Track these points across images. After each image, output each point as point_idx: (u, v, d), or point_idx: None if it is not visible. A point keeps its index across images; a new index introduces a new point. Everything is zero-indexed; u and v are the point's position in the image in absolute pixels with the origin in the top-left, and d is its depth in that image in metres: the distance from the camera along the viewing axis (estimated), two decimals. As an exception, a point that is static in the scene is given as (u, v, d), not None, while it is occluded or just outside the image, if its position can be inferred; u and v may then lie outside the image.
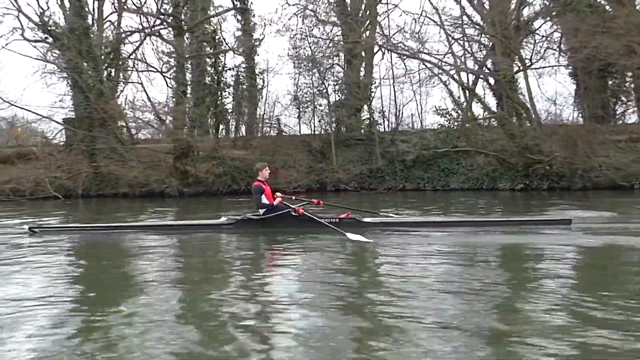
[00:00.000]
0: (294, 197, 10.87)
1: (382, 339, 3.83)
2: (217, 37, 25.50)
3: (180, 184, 23.25)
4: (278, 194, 9.94)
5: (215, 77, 25.07)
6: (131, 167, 23.91)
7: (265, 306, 4.84)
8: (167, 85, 27.15)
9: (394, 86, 27.04)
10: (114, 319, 4.44)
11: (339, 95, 27.46)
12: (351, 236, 8.31)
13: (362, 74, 27.34)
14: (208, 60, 25.12)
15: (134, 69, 26.65)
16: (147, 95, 26.02)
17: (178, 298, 5.27)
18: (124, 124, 24.95)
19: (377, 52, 27.79)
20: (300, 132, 28.83)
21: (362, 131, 26.38)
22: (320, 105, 28.06)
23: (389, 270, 6.46)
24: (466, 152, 23.81)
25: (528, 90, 22.78)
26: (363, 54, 26.85)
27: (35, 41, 26.56)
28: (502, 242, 8.45)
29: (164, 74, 25.93)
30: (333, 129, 26.16)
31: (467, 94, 22.94)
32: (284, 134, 28.07)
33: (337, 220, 9.40)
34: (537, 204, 16.15)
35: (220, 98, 25.15)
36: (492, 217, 11.67)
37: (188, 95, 25.06)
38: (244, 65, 26.73)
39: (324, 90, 27.36)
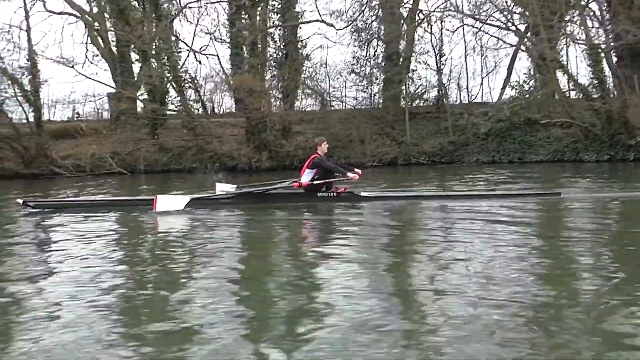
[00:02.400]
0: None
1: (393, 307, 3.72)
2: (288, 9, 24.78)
3: (253, 158, 22.71)
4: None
5: (284, 51, 24.43)
6: (206, 142, 23.32)
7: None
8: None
9: (466, 57, 26.27)
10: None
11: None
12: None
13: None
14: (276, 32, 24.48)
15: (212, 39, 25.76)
16: (221, 67, 25.35)
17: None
18: (199, 97, 24.30)
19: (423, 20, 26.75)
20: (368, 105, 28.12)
21: (431, 104, 25.91)
22: (377, 78, 27.48)
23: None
24: (542, 124, 23.45)
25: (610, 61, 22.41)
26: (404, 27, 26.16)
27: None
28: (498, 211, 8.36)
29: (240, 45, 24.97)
30: (407, 102, 25.53)
31: (551, 65, 22.39)
32: (350, 107, 27.44)
33: (335, 194, 9.63)
34: (623, 176, 16.00)
35: (290, 71, 24.50)
36: (493, 191, 11.54)
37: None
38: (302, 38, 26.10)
39: (381, 62, 26.82)
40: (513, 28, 24.16)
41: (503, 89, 27.23)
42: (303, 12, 25.34)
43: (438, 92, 26.20)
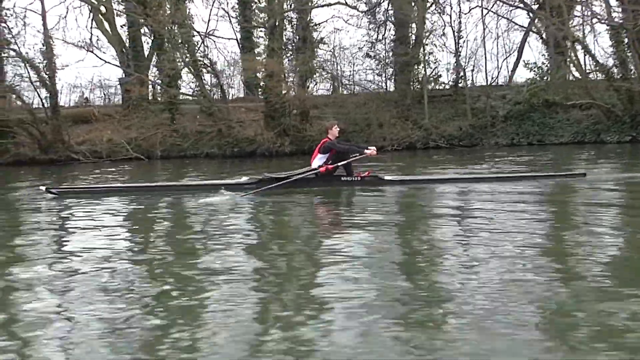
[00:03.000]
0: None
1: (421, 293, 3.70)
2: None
3: (276, 143, 22.60)
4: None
5: (302, 34, 24.22)
6: (227, 127, 23.18)
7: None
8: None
9: (484, 40, 26.06)
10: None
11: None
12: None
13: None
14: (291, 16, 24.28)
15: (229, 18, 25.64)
16: (240, 50, 25.13)
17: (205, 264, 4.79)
18: (217, 81, 24.17)
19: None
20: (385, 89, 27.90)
21: (448, 87, 25.70)
22: (391, 62, 27.24)
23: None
24: (561, 106, 23.28)
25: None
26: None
27: None
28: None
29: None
30: (427, 85, 25.33)
31: (571, 45, 22.17)
32: (366, 90, 27.24)
33: (359, 178, 9.63)
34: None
35: (309, 54, 24.29)
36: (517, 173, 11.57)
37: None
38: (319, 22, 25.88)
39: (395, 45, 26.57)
40: (524, 7, 23.90)
41: (513, 71, 27.23)
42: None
43: (456, 75, 25.92)
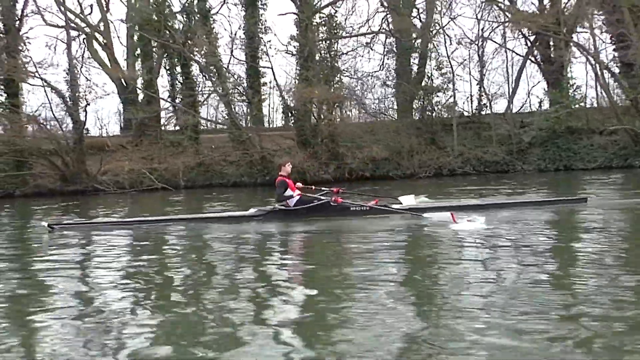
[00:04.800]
0: (313, 187, 10.92)
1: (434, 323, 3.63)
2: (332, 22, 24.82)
3: (320, 170, 22.56)
4: (299, 184, 10.01)
5: (329, 62, 24.45)
6: (260, 155, 23.05)
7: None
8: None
9: (507, 68, 26.74)
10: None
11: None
12: (430, 216, 8.50)
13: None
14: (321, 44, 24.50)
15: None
16: (274, 77, 25.19)
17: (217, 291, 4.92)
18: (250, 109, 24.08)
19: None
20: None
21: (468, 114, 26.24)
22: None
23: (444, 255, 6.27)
24: (584, 132, 23.99)
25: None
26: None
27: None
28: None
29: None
30: (455, 112, 25.73)
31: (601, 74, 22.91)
32: (387, 118, 27.50)
33: (368, 208, 9.43)
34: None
35: (334, 82, 24.50)
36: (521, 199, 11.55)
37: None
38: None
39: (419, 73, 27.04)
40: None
41: (511, 98, 27.63)
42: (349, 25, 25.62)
43: (478, 102, 26.43)
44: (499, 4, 26.67)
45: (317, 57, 24.27)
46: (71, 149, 23.84)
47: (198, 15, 24.21)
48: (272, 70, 24.41)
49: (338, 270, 5.49)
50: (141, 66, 28.05)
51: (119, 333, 3.66)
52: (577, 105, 24.65)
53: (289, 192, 9.43)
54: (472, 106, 27.21)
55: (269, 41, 26.36)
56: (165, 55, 26.89)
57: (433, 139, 25.23)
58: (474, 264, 5.47)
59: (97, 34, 28.67)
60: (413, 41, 27.26)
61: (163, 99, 25.53)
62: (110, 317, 4.01)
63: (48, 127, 23.96)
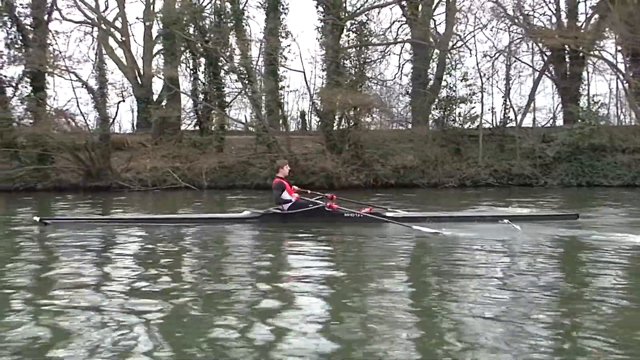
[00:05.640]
0: (309, 192, 10.83)
1: (422, 331, 3.68)
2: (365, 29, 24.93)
3: (351, 176, 22.59)
4: (295, 187, 9.99)
5: (358, 69, 24.56)
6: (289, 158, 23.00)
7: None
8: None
9: (534, 81, 26.82)
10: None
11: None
12: (418, 229, 8.35)
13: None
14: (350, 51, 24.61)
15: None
16: (306, 82, 25.24)
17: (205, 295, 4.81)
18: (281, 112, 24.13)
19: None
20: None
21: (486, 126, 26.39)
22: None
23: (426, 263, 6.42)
24: (608, 149, 24.19)
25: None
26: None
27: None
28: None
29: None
30: (482, 124, 25.86)
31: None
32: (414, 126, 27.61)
33: (360, 215, 9.38)
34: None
35: (362, 89, 24.61)
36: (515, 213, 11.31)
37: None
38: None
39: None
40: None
41: (525, 113, 27.79)
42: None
43: (503, 115, 26.57)
44: (514, 19, 26.77)
45: (346, 63, 24.36)
46: (97, 145, 23.82)
47: (232, 17, 24.21)
48: (304, 74, 24.48)
49: (323, 277, 5.45)
50: (163, 65, 27.99)
51: (102, 333, 3.61)
52: (602, 122, 24.78)
53: (286, 195, 9.40)
54: (494, 118, 27.31)
55: (289, 45, 26.42)
56: (190, 55, 26.92)
57: (458, 149, 25.32)
58: (440, 275, 5.50)
59: (114, 31, 28.81)
60: (432, 51, 27.46)
61: (194, 98, 25.34)
62: (93, 319, 3.93)
63: (75, 122, 23.81)
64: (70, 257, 6.70)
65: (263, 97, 24.17)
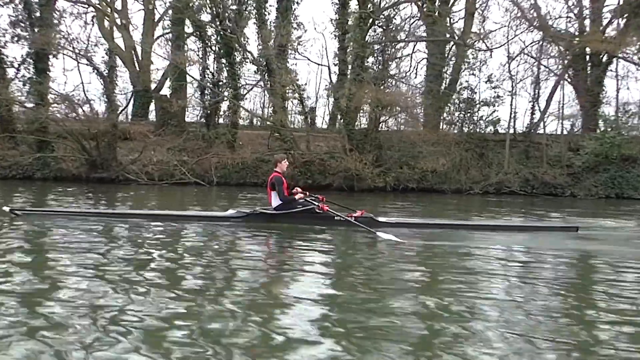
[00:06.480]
0: (299, 190, 10.15)
1: (400, 337, 3.79)
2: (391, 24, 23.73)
3: (378, 178, 21.42)
4: (298, 189, 9.58)
5: (380, 67, 23.42)
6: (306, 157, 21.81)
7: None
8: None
9: (562, 85, 25.71)
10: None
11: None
12: (381, 235, 8.12)
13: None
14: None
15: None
16: (329, 76, 23.95)
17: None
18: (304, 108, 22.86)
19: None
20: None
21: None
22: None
23: (410, 268, 6.38)
24: (638, 160, 23.29)
25: None
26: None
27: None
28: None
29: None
30: (509, 128, 24.78)
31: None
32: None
33: (352, 218, 9.00)
34: None
35: (385, 87, 23.42)
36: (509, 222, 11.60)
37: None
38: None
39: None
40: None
41: (540, 119, 26.54)
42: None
43: (530, 120, 25.52)
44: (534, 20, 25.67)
45: (370, 60, 23.21)
46: (104, 134, 22.34)
47: (254, 5, 22.92)
48: (329, 69, 23.25)
49: (305, 284, 5.33)
50: (169, 52, 26.40)
51: (65, 336, 3.54)
52: (634, 132, 23.87)
53: (280, 195, 8.92)
54: (513, 123, 26.13)
55: (299, 37, 25.29)
56: (201, 44, 25.46)
57: (482, 154, 24.23)
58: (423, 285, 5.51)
59: (115, 15, 27.06)
60: (449, 50, 26.35)
61: (210, 88, 23.94)
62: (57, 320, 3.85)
63: (83, 108, 22.33)
64: (30, 251, 6.55)
65: (285, 90, 22.74)
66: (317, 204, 9.15)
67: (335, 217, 8.96)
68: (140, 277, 5.35)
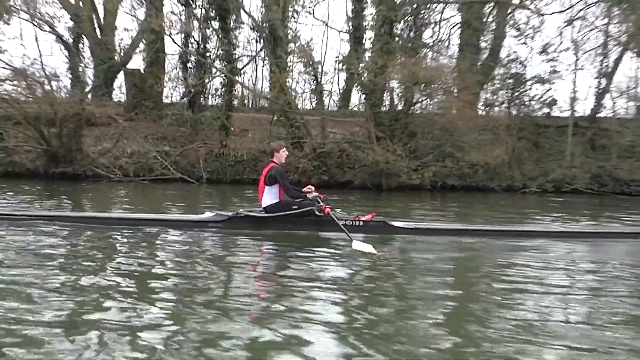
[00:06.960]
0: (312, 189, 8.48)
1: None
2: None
3: (415, 173, 17.18)
4: (311, 187, 7.92)
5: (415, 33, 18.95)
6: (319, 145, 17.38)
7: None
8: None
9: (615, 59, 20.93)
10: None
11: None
12: (356, 244, 6.65)
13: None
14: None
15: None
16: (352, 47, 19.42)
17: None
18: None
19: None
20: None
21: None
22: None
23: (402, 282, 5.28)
24: None
25: None
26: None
27: None
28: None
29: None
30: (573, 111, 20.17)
31: None
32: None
33: (360, 222, 7.70)
34: None
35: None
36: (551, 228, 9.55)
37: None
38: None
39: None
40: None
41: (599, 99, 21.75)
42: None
43: (596, 101, 20.87)
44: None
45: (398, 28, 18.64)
46: (66, 118, 17.88)
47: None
48: (350, 34, 18.60)
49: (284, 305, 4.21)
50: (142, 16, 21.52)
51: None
52: None
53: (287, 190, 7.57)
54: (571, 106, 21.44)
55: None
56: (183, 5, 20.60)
57: (536, 144, 19.68)
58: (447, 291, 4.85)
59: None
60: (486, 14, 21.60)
61: (203, 59, 19.43)
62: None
63: (42, 86, 17.90)
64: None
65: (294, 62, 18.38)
66: (317, 205, 7.56)
67: (340, 222, 7.39)
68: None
